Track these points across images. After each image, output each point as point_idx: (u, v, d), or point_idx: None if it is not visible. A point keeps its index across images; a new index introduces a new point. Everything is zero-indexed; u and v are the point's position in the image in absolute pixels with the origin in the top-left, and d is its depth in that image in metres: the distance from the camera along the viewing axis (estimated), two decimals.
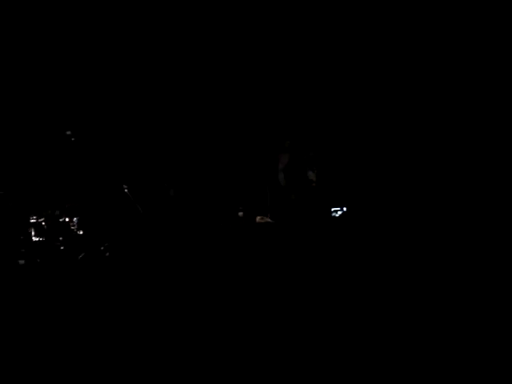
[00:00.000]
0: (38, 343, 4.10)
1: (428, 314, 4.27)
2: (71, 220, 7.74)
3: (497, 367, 3.34)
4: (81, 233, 7.78)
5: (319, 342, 3.89)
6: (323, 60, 7.60)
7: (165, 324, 4.45)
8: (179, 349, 3.88)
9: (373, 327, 4.15)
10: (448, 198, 7.23)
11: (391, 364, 3.49)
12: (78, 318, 4.70)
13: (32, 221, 7.55)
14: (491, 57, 6.89)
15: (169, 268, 6.83)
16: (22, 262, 7.23)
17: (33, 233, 7.53)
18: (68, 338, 4.17)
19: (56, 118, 8.23)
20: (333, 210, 7.75)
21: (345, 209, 7.74)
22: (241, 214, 8.15)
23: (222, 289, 5.59)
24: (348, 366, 3.50)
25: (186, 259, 7.13)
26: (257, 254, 6.99)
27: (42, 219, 7.58)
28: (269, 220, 8.00)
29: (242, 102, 8.36)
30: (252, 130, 8.59)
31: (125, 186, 7.90)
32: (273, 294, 5.27)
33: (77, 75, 8.11)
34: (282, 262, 6.58)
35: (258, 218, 8.06)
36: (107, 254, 7.52)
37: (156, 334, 4.18)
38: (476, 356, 3.51)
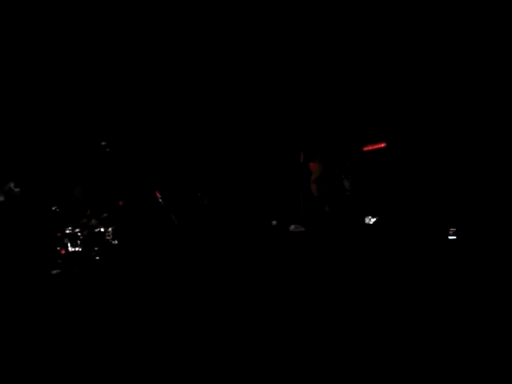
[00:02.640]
0: (75, 350, 4.08)
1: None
2: (106, 230, 7.77)
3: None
4: (116, 242, 7.81)
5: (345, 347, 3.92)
6: (356, 75, 7.66)
7: (193, 331, 4.45)
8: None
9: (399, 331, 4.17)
10: (477, 207, 7.25)
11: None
12: (115, 326, 4.69)
13: (68, 231, 7.57)
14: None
15: (204, 275, 6.84)
16: (57, 271, 7.25)
17: (69, 243, 7.54)
18: (104, 345, 4.16)
19: (90, 129, 8.32)
20: (367, 219, 7.78)
21: (379, 218, 7.77)
22: (274, 222, 8.19)
23: (257, 295, 5.60)
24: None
25: (220, 267, 7.15)
26: (291, 262, 7.01)
27: (78, 229, 7.60)
28: (302, 229, 8.02)
29: (276, 113, 8.43)
30: (286, 142, 8.65)
31: (159, 196, 7.92)
32: (307, 301, 5.27)
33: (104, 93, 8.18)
34: (316, 269, 6.60)
35: (291, 227, 8.09)
36: (141, 263, 7.55)
37: (182, 341, 4.20)
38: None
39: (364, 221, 7.82)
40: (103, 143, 8.04)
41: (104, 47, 7.14)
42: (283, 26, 7.10)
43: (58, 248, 7.48)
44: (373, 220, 7.81)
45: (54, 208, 7.60)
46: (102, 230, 7.74)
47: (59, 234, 7.53)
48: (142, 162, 8.54)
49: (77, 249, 7.56)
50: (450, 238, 7.17)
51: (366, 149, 8.07)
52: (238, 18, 6.57)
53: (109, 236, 7.77)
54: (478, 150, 7.35)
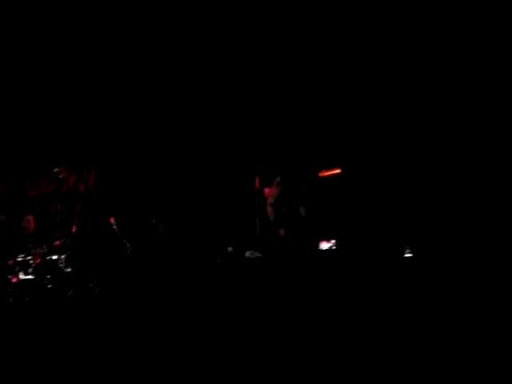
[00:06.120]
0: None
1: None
2: (59, 257, 7.66)
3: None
4: (69, 270, 7.70)
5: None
6: (316, 99, 7.68)
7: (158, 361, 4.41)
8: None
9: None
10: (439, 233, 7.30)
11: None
12: (67, 355, 4.62)
13: (19, 259, 7.44)
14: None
15: (159, 303, 6.77)
16: (10, 300, 7.13)
17: (20, 271, 7.41)
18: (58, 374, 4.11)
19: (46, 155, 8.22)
20: (322, 244, 7.79)
21: (334, 243, 7.79)
22: (230, 249, 8.14)
23: (214, 322, 5.55)
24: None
25: (175, 294, 7.08)
26: (246, 288, 6.97)
27: (30, 257, 7.48)
28: (259, 255, 7.99)
29: (232, 135, 8.40)
30: (242, 164, 8.61)
31: (113, 223, 7.85)
32: (263, 327, 5.24)
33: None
34: (272, 296, 6.57)
35: (247, 253, 8.04)
36: (96, 290, 7.45)
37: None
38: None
39: (319, 246, 7.83)
40: (55, 170, 7.96)
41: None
42: (237, 50, 7.10)
43: (10, 276, 7.36)
44: (327, 246, 7.82)
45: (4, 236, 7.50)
46: (55, 257, 7.64)
47: (11, 262, 7.42)
48: (95, 188, 8.45)
49: (29, 277, 7.44)
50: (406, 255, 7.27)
51: (321, 174, 8.08)
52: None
53: (61, 263, 7.66)
54: (430, 172, 7.43)
